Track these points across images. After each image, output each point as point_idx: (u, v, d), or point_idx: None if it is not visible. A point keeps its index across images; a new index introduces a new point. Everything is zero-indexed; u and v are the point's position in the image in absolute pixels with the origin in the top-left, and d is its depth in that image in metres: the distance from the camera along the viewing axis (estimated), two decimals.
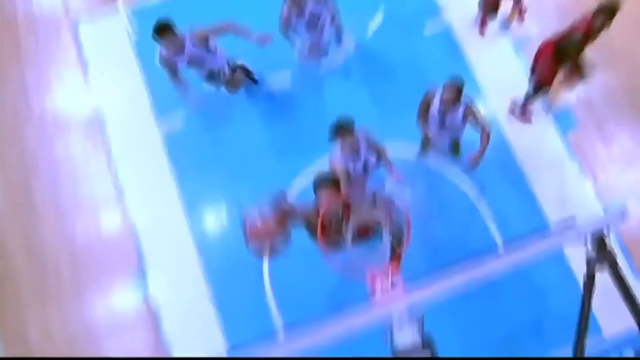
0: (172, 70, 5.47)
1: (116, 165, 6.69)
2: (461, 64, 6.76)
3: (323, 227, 4.25)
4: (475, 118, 5.16)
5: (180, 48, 5.31)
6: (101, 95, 7.03)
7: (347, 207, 4.13)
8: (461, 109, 5.14)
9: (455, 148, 6.14)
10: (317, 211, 4.35)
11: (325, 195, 4.29)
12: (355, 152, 4.92)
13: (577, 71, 5.70)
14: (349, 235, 3.63)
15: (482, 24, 6.83)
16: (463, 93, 4.99)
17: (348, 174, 4.96)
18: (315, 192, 4.46)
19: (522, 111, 6.48)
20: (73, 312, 6.19)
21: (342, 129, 4.68)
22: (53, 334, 6.13)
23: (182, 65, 5.46)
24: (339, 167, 4.92)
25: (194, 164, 6.61)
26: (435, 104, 5.17)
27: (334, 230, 3.61)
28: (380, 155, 5.12)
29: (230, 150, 6.58)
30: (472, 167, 5.47)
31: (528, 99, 6.25)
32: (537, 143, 6.39)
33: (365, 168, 5.08)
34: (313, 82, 6.82)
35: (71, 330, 6.13)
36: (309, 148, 6.40)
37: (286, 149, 6.55)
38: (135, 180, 6.64)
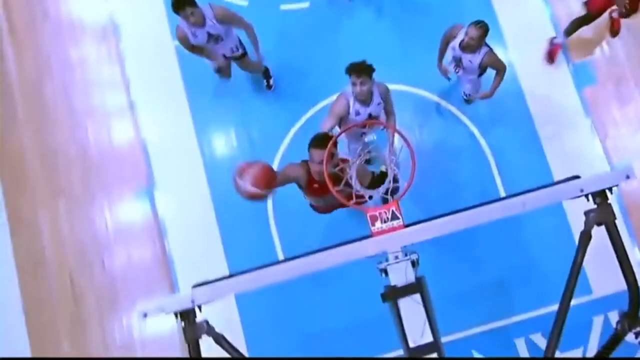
0: (189, 46, 5.37)
1: (129, 77, 6.68)
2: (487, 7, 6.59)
3: (314, 186, 4.45)
4: (495, 61, 5.15)
5: (201, 21, 5.12)
6: (118, 3, 6.90)
7: (342, 162, 4.11)
8: (481, 53, 5.09)
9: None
10: (307, 170, 4.44)
11: (316, 155, 4.23)
12: (366, 97, 4.70)
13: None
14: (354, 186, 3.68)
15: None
16: (486, 37, 4.93)
17: (347, 115, 4.78)
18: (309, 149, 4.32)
19: (552, 47, 6.39)
20: (82, 219, 6.38)
21: (362, 69, 4.50)
22: (63, 238, 6.34)
23: (200, 40, 5.31)
24: (342, 105, 4.73)
25: (207, 84, 6.58)
26: (457, 42, 5.12)
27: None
28: (388, 114, 4.99)
29: (243, 75, 6.52)
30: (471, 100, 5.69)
31: (570, 28, 6.18)
32: (553, 95, 6.32)
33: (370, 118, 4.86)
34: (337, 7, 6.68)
35: (80, 236, 6.34)
36: (324, 82, 6.32)
37: (300, 80, 6.50)
38: (147, 93, 6.64)
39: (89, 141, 6.57)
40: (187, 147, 6.41)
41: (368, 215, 3.27)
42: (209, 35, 5.28)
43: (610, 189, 3.12)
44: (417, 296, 3.10)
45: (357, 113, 4.74)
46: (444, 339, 3.30)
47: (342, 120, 4.81)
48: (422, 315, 3.08)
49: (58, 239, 6.34)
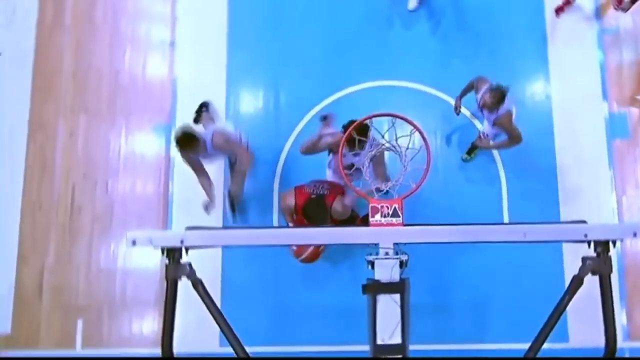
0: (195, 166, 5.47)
1: (178, 15, 6.75)
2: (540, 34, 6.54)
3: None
4: (507, 125, 5.23)
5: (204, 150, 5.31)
6: None
7: None
8: (499, 112, 5.21)
9: (471, 149, 6.16)
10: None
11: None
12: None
13: None
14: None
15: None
16: (505, 99, 5.07)
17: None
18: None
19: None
20: (98, 139, 6.51)
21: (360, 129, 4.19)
22: (75, 153, 6.47)
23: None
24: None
25: (249, 40, 6.62)
26: (478, 95, 5.30)
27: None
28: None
29: (289, 34, 6.58)
30: (480, 143, 5.75)
31: None
32: (582, 137, 6.24)
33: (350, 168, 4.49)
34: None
35: (92, 154, 6.47)
36: (360, 72, 6.40)
37: (339, 64, 6.50)
38: (190, 35, 6.71)
39: (124, 67, 6.67)
40: (214, 96, 6.43)
41: (370, 205, 3.29)
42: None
43: (614, 242, 3.10)
44: (397, 296, 3.12)
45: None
46: (411, 347, 3.28)
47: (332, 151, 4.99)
48: (396, 316, 3.10)
49: (70, 152, 6.46)
